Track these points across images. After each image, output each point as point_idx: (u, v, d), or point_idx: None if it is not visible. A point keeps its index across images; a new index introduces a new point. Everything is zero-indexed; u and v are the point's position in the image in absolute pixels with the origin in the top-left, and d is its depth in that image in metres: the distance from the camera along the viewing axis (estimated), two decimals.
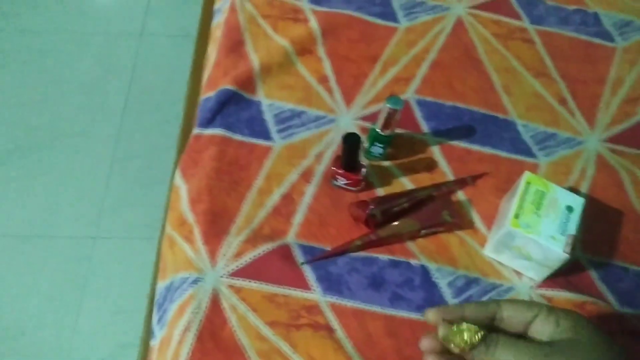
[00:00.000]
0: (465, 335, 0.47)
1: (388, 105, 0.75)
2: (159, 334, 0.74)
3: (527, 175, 0.76)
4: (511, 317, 0.50)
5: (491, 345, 0.47)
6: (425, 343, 0.50)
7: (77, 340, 1.42)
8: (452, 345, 0.48)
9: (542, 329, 0.48)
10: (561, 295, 0.75)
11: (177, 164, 0.89)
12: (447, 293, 0.74)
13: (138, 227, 1.58)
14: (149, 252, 1.53)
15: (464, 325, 0.48)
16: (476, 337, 0.47)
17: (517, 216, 0.72)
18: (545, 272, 0.75)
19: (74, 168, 1.65)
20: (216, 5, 1.03)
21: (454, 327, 0.48)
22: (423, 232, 0.78)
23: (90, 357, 1.40)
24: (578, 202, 0.74)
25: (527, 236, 0.71)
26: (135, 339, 1.42)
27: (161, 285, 0.77)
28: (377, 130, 0.80)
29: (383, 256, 0.76)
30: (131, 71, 1.82)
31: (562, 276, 0.76)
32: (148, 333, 0.80)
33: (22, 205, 1.58)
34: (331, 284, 0.74)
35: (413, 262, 0.76)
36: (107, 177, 1.64)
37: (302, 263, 0.75)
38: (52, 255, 1.52)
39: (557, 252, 0.70)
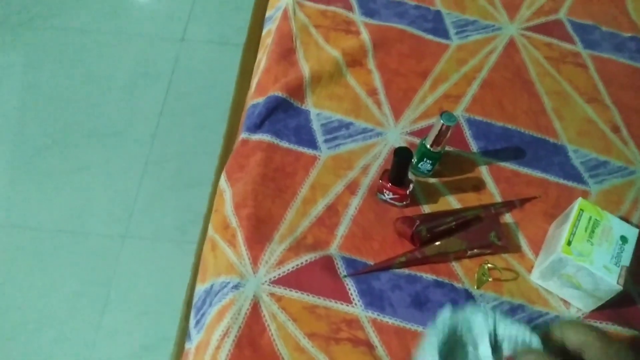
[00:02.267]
0: None
1: (442, 121, 0.74)
2: (196, 337, 0.73)
3: (580, 202, 0.74)
4: None
5: None
6: None
7: (100, 339, 1.42)
8: None
9: None
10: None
11: (219, 168, 0.89)
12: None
13: (167, 230, 1.58)
14: (177, 255, 1.54)
15: None
16: None
17: (569, 243, 0.70)
18: (595, 303, 0.72)
19: (108, 167, 1.66)
20: (268, 13, 1.03)
21: None
22: (469, 252, 0.76)
23: (112, 356, 1.40)
24: (633, 233, 0.72)
25: (579, 264, 0.69)
26: (158, 340, 1.42)
27: (200, 288, 0.76)
28: (427, 146, 0.79)
29: (427, 275, 0.75)
30: (170, 75, 1.84)
31: (610, 308, 0.73)
32: (183, 335, 0.79)
33: (54, 200, 1.59)
34: (373, 300, 0.72)
35: (457, 284, 0.74)
36: (140, 178, 1.65)
37: (345, 276, 0.74)
38: (80, 251, 1.53)
39: (611, 283, 0.68)
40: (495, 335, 0.56)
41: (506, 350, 0.56)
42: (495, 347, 0.56)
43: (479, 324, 0.56)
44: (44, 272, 1.49)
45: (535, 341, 0.54)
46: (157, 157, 1.69)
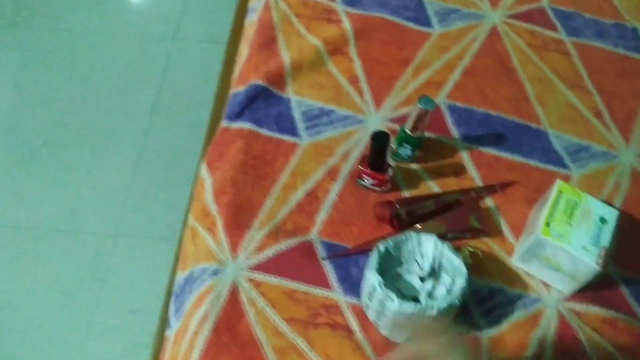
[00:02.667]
0: None
1: (419, 106, 0.74)
2: (175, 324, 0.73)
3: (559, 184, 0.73)
4: None
5: None
6: None
7: (92, 337, 1.41)
8: None
9: None
10: (590, 310, 0.72)
11: (201, 157, 0.88)
12: (470, 301, 0.72)
13: (159, 228, 1.57)
14: (169, 253, 1.53)
15: None
16: None
17: (548, 224, 0.70)
18: (575, 285, 0.72)
19: (100, 166, 1.66)
20: (250, 4, 1.03)
21: None
22: (449, 236, 0.76)
23: (104, 354, 1.39)
24: (612, 214, 0.72)
25: (558, 245, 0.68)
26: (150, 338, 1.41)
27: (180, 276, 0.76)
28: (407, 131, 0.78)
29: None
30: (161, 74, 1.84)
31: (592, 290, 0.73)
32: (163, 324, 0.79)
33: (46, 199, 1.59)
34: (352, 286, 0.72)
35: None
36: (132, 177, 1.64)
37: (323, 258, 0.74)
38: (72, 250, 1.53)
39: (589, 263, 0.67)
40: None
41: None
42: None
43: (413, 247, 0.70)
44: (35, 271, 1.48)
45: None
46: (148, 155, 1.68)
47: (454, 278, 0.67)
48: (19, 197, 1.59)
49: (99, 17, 1.95)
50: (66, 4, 1.96)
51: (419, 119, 0.76)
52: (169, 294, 0.81)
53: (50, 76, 1.81)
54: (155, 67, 1.85)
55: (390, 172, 0.77)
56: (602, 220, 0.71)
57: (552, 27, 0.99)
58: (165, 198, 1.62)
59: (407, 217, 0.75)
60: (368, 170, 0.77)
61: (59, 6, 1.96)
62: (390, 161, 0.79)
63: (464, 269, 0.67)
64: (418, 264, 0.70)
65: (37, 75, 1.81)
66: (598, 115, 0.90)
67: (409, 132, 0.78)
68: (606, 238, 0.70)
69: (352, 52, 0.93)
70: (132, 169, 1.66)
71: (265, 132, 0.84)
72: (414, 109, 0.76)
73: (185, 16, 1.96)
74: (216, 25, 1.94)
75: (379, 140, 0.73)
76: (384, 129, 0.85)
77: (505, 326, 0.70)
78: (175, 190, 1.62)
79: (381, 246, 0.68)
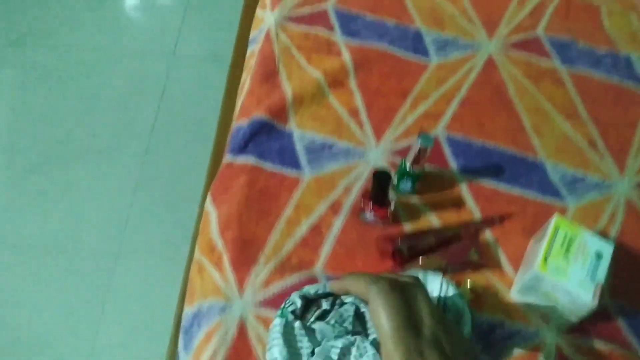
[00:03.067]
0: None
1: (419, 143, 0.76)
2: (184, 359, 0.75)
3: (556, 218, 0.76)
4: None
5: None
6: None
7: (95, 356, 1.43)
8: None
9: None
10: (587, 343, 0.75)
11: (207, 189, 0.90)
12: (472, 337, 0.74)
13: (160, 246, 1.59)
14: (170, 272, 1.55)
15: None
16: None
17: (545, 259, 0.72)
18: (573, 319, 0.74)
19: (100, 184, 1.67)
20: (252, 35, 1.05)
21: None
22: (450, 270, 0.78)
23: None
24: (608, 249, 0.74)
25: (555, 281, 0.70)
26: (152, 357, 1.43)
27: (188, 310, 0.77)
28: (407, 165, 0.80)
29: None
30: (161, 91, 1.85)
31: (589, 322, 0.75)
32: (173, 356, 0.81)
33: (46, 217, 1.60)
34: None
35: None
36: (132, 195, 1.66)
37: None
38: (73, 269, 1.54)
39: (585, 300, 0.70)
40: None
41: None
42: None
43: None
44: (37, 290, 1.50)
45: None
46: (149, 173, 1.70)
47: (458, 320, 0.69)
48: (19, 216, 1.61)
49: (98, 34, 1.96)
50: (65, 21, 1.98)
51: (419, 155, 0.78)
52: (176, 327, 0.83)
53: (49, 94, 1.83)
54: (155, 84, 1.87)
55: (392, 206, 0.79)
56: (598, 255, 0.73)
57: (547, 56, 1.01)
58: (167, 217, 1.64)
59: (409, 252, 0.77)
60: (370, 205, 0.79)
61: (58, 23, 1.97)
62: (391, 195, 0.80)
63: (468, 314, 0.68)
64: None
65: (36, 93, 1.83)
66: (593, 145, 0.92)
67: (410, 167, 0.80)
68: (602, 274, 0.72)
69: (352, 84, 0.95)
70: (133, 186, 1.68)
71: (268, 166, 0.86)
72: (414, 145, 0.78)
73: (183, 34, 1.98)
74: (215, 42, 1.96)
75: (381, 178, 0.75)
76: (384, 161, 0.87)
77: None
78: (177, 208, 1.64)
79: None
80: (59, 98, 1.82)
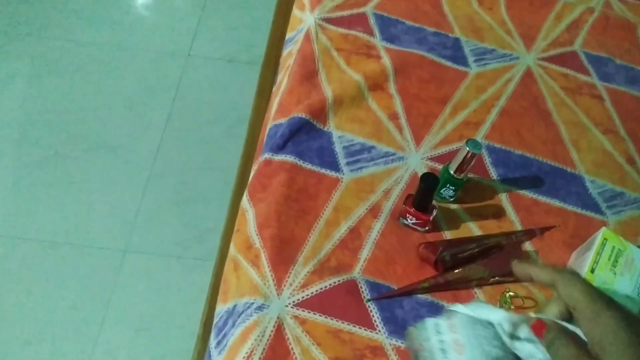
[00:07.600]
0: None
1: (467, 149, 0.75)
2: (217, 358, 0.72)
3: (604, 231, 0.75)
4: None
5: None
6: None
7: (98, 353, 1.40)
8: None
9: None
10: None
11: (237, 187, 0.89)
12: None
13: (168, 245, 1.57)
14: (177, 271, 1.53)
15: None
16: None
17: (592, 271, 0.71)
18: None
19: (111, 180, 1.65)
20: (289, 35, 1.04)
21: None
22: (492, 280, 0.76)
23: None
24: None
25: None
26: (156, 357, 1.40)
27: (222, 308, 0.75)
28: (451, 172, 0.79)
29: (449, 305, 0.75)
30: (175, 90, 1.84)
31: None
32: (200, 357, 0.78)
33: (55, 211, 1.58)
34: (397, 328, 0.72)
35: None
36: (142, 192, 1.64)
37: (368, 300, 0.74)
38: (80, 264, 1.51)
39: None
40: None
41: None
42: None
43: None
44: (42, 284, 1.47)
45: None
46: (160, 171, 1.68)
47: None
48: (28, 209, 1.58)
49: (113, 30, 1.95)
50: (81, 16, 1.96)
51: (465, 161, 0.77)
52: (205, 325, 0.81)
53: (62, 88, 1.81)
54: (169, 83, 1.85)
55: (434, 213, 0.78)
56: None
57: (585, 71, 1.01)
58: (176, 215, 1.62)
59: (452, 260, 0.76)
60: (412, 210, 0.78)
61: (73, 18, 1.96)
62: (433, 201, 0.79)
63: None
64: None
65: (49, 87, 1.80)
66: (631, 161, 0.92)
67: (454, 174, 0.79)
68: None
69: (392, 88, 0.94)
70: (144, 184, 1.65)
71: (307, 165, 0.84)
72: (460, 151, 0.77)
73: (198, 33, 1.97)
74: (230, 43, 1.95)
75: (428, 182, 0.74)
76: (424, 167, 0.86)
77: None
78: (187, 208, 1.62)
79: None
80: (72, 92, 1.80)
